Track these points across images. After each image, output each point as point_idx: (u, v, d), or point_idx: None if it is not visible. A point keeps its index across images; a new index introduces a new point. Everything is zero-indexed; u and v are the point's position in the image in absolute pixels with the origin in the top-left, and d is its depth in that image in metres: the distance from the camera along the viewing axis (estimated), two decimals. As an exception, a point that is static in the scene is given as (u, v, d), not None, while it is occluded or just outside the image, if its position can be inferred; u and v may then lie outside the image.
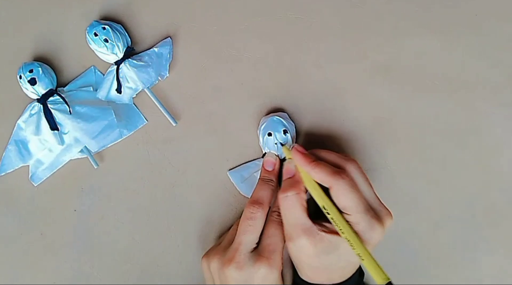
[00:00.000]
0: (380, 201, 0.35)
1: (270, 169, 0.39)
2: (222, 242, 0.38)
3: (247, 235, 0.35)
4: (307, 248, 0.33)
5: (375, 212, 0.34)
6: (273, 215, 0.37)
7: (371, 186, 0.35)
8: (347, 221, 0.33)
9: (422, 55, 0.44)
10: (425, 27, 0.44)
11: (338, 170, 0.34)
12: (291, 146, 0.39)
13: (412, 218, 0.42)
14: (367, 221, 0.32)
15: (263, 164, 0.40)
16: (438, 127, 0.43)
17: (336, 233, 0.33)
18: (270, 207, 0.37)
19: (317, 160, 0.35)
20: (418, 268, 0.41)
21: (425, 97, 0.43)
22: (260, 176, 0.39)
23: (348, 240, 0.32)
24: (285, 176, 0.37)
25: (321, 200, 0.34)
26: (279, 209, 0.36)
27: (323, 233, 0.33)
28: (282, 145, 0.39)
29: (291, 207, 0.34)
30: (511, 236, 0.42)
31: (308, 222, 0.34)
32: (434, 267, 0.41)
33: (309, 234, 0.33)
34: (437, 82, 0.43)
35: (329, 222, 0.34)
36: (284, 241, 0.35)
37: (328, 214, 0.33)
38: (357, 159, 0.41)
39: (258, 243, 0.36)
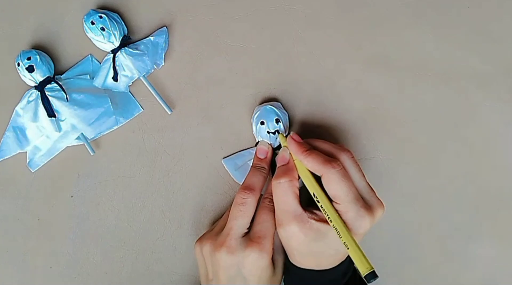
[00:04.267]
0: (372, 191, 0.35)
1: (262, 157, 0.40)
2: (215, 227, 0.39)
3: (238, 220, 0.36)
4: (296, 235, 0.34)
5: (366, 202, 0.34)
6: (265, 201, 0.37)
7: (363, 176, 0.35)
8: (336, 210, 0.33)
9: (415, 46, 0.44)
10: (419, 19, 0.44)
11: (330, 159, 0.34)
12: (287, 134, 0.40)
13: (404, 208, 0.42)
14: (356, 211, 0.33)
15: (256, 152, 0.40)
16: (430, 118, 0.43)
17: (325, 221, 0.34)
18: (262, 194, 0.38)
19: (311, 149, 0.36)
20: (411, 258, 0.42)
21: (418, 88, 0.43)
22: (252, 164, 0.40)
23: (335, 228, 0.33)
24: (279, 163, 0.38)
25: (312, 187, 0.35)
26: (271, 195, 0.37)
27: (313, 221, 0.34)
28: (278, 132, 0.40)
29: (283, 193, 0.35)
30: (505, 227, 0.42)
31: (299, 209, 0.34)
32: (427, 258, 0.42)
33: (299, 221, 0.34)
34: (430, 73, 0.44)
35: (320, 210, 0.34)
36: (275, 227, 0.36)
37: (318, 202, 0.34)
38: (350, 148, 0.42)
39: (249, 229, 0.37)
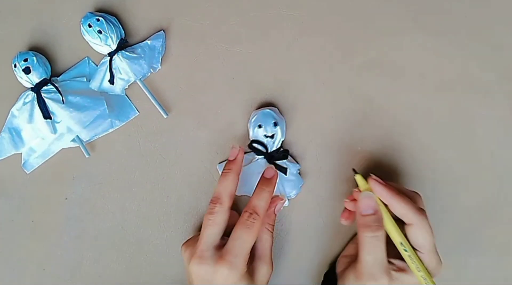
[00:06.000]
0: None
1: (231, 159, 0.38)
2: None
3: (208, 230, 0.35)
4: None
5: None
6: (265, 225, 0.37)
7: None
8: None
9: (413, 54, 0.44)
10: (416, 26, 0.44)
11: (420, 207, 0.35)
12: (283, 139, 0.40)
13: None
14: (437, 260, 0.34)
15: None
16: (427, 126, 0.43)
17: (402, 270, 0.35)
18: (236, 196, 0.38)
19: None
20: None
21: (415, 95, 0.43)
22: (223, 168, 0.38)
23: (424, 278, 0.33)
24: (366, 211, 0.35)
25: (399, 236, 0.35)
26: (274, 222, 0.38)
27: (393, 272, 0.35)
28: (356, 173, 0.37)
29: (377, 247, 0.34)
30: (502, 237, 0.43)
31: (386, 262, 0.34)
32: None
33: (387, 273, 0.34)
34: (427, 81, 0.44)
35: (394, 258, 0.35)
36: (251, 244, 0.35)
37: (406, 251, 0.34)
38: (346, 157, 0.42)
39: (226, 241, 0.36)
